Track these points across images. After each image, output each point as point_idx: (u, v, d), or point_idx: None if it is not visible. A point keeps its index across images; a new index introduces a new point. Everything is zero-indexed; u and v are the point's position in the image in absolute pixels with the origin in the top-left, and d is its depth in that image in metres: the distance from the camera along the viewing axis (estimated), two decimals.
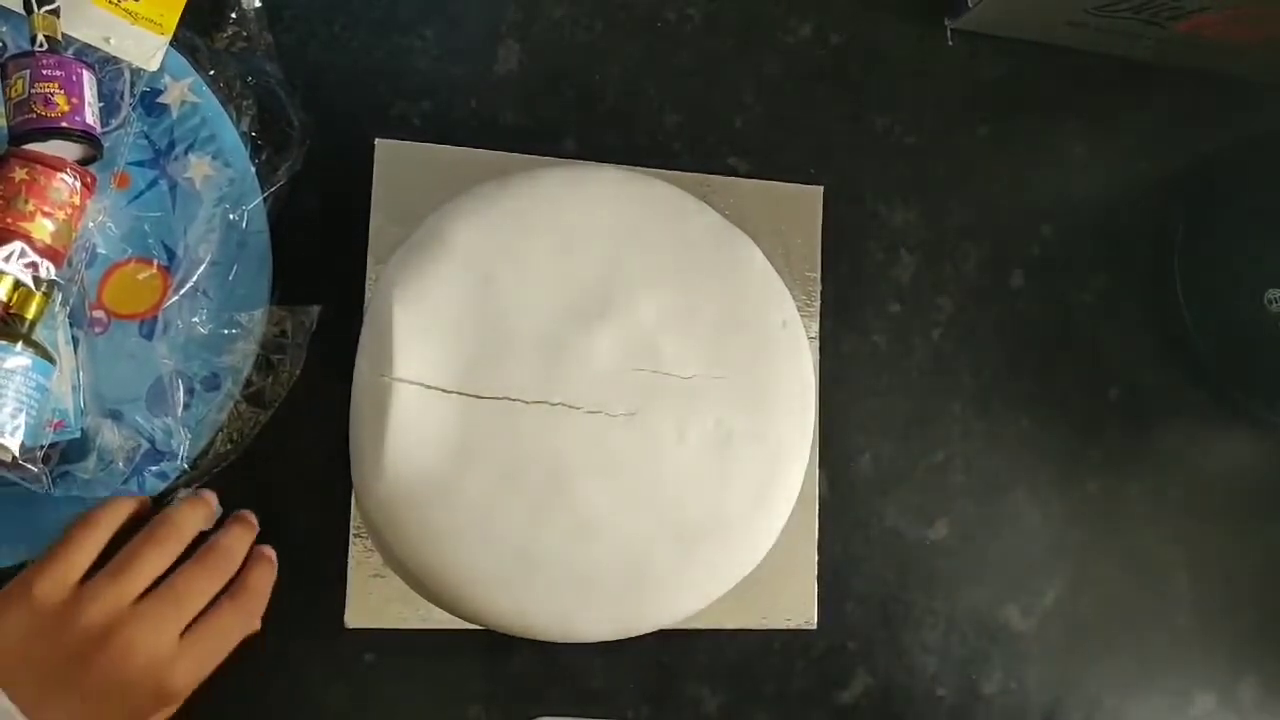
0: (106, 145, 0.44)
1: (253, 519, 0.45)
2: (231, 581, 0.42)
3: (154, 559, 0.40)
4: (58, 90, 0.41)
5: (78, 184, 0.42)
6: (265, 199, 0.46)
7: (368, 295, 0.48)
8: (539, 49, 0.53)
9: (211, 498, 0.45)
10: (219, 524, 0.44)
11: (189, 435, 0.44)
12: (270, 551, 0.45)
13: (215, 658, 0.41)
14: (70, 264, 0.44)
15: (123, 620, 0.38)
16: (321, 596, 0.47)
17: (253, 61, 0.48)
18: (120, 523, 0.41)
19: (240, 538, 0.43)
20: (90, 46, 0.44)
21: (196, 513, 0.43)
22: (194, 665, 0.40)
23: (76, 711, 0.37)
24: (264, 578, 0.43)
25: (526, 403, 0.45)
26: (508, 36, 0.53)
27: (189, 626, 0.40)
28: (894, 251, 0.57)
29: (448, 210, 0.47)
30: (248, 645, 0.42)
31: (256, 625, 0.43)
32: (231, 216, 0.46)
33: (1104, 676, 0.58)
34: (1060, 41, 0.59)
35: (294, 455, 0.48)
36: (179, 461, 0.44)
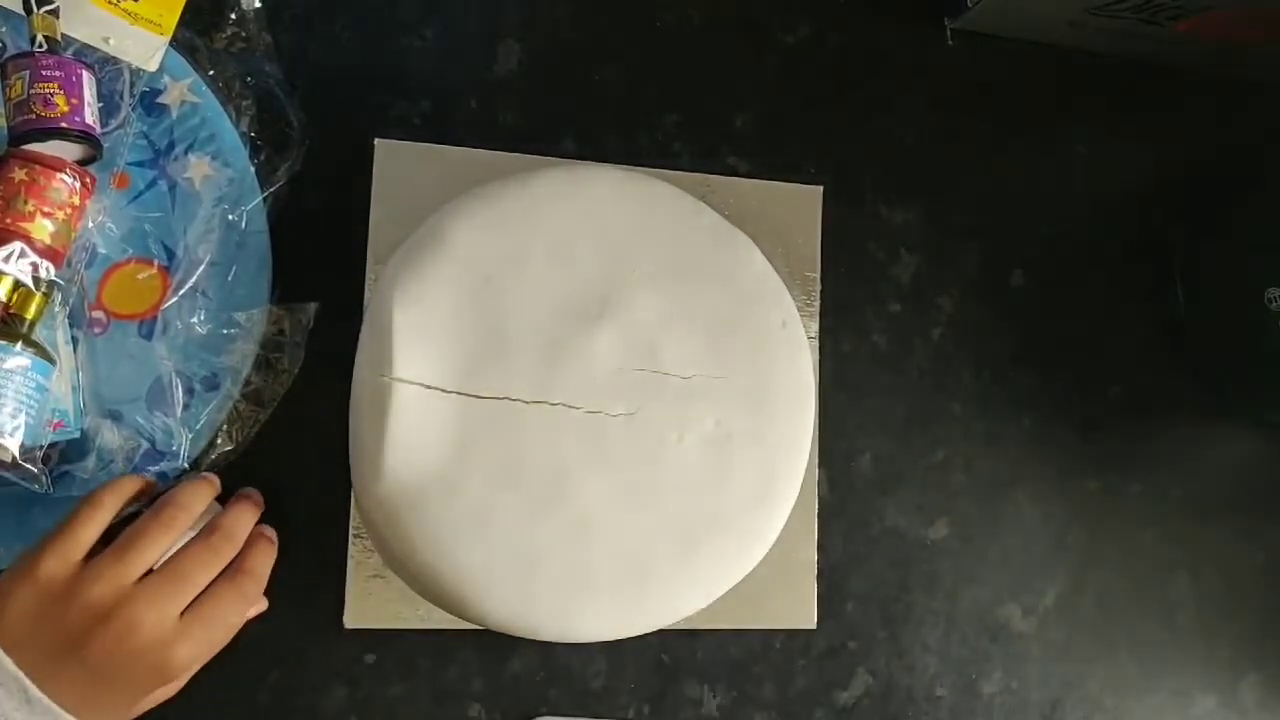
0: (106, 145, 0.44)
1: (258, 498, 0.45)
2: (233, 561, 0.42)
3: (158, 539, 0.41)
4: (57, 91, 0.41)
5: (77, 184, 0.42)
6: (265, 199, 0.46)
7: (367, 295, 0.48)
8: (539, 49, 0.53)
9: (214, 478, 0.45)
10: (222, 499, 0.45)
11: (189, 435, 0.44)
12: (271, 532, 0.45)
13: (216, 638, 0.41)
14: (70, 264, 0.44)
15: (125, 599, 0.39)
16: (321, 596, 0.47)
17: (252, 61, 0.48)
18: (125, 502, 0.42)
19: (243, 518, 0.43)
20: (90, 47, 0.44)
21: (201, 493, 0.43)
22: (194, 645, 0.40)
23: (81, 685, 0.38)
24: (263, 560, 0.44)
25: (526, 403, 0.45)
26: (508, 36, 0.53)
27: (190, 606, 0.40)
28: (894, 251, 0.57)
29: (448, 210, 0.47)
30: (252, 631, 0.42)
31: (262, 605, 0.43)
32: (231, 217, 0.46)
33: (1104, 676, 0.58)
34: (1060, 41, 0.59)
35: (293, 455, 0.48)
36: (179, 461, 0.44)
